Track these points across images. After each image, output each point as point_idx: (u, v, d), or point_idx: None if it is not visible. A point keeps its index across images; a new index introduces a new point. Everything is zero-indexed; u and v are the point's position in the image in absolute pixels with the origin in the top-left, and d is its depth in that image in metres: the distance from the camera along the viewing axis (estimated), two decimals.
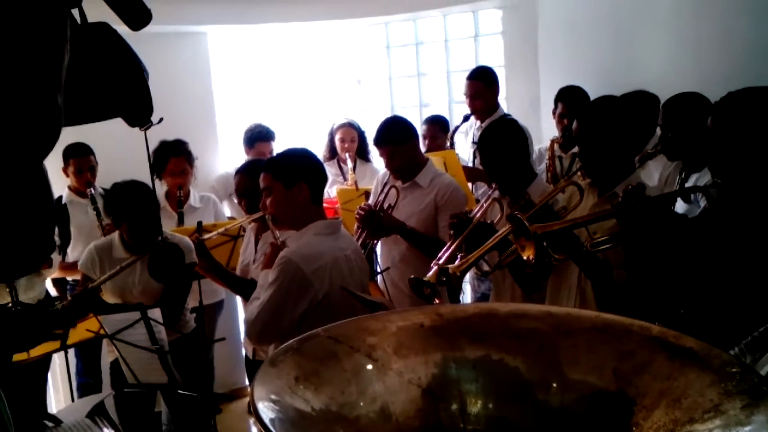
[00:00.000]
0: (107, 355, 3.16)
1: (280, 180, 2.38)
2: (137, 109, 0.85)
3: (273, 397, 0.72)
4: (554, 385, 0.82)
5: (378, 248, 3.33)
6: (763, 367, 1.12)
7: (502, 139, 2.63)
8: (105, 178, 3.90)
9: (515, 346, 0.86)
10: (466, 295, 4.12)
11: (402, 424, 0.81)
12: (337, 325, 0.91)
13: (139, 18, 0.67)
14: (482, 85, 3.99)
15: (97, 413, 1.88)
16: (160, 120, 0.82)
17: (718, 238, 1.75)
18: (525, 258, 1.84)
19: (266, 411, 0.69)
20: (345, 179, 4.38)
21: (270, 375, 0.76)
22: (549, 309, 0.91)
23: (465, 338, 0.88)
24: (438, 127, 4.24)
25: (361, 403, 0.82)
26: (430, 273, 2.25)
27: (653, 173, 3.08)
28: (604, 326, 0.83)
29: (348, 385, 0.81)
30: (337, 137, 4.48)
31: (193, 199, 4.06)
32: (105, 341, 3.07)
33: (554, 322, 0.86)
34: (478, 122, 4.11)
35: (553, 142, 3.69)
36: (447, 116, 5.29)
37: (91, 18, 0.84)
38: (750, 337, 1.18)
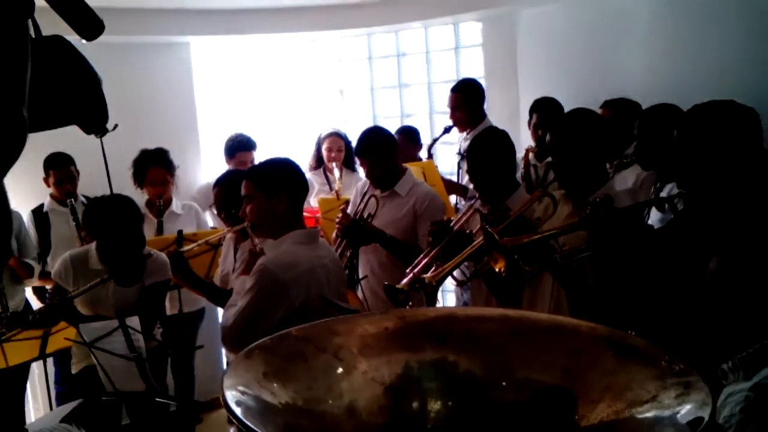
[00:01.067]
0: (73, 365, 3.08)
1: (260, 189, 2.40)
2: (92, 117, 0.88)
3: (241, 388, 0.76)
4: (509, 382, 0.86)
5: None
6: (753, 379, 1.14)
7: (491, 148, 2.67)
8: (87, 186, 3.91)
9: (473, 347, 0.90)
10: (451, 303, 4.16)
11: (365, 420, 0.85)
12: (306, 326, 0.95)
13: (92, 28, 0.71)
14: (460, 97, 4.05)
15: (73, 419, 1.88)
16: (115, 126, 0.85)
17: (682, 248, 1.80)
18: (497, 270, 1.89)
19: (234, 399, 0.73)
20: (331, 189, 4.40)
21: (240, 369, 0.80)
22: (506, 312, 0.96)
23: (426, 340, 0.92)
24: (407, 138, 4.29)
25: (329, 401, 0.85)
26: (405, 281, 2.29)
27: (628, 177, 3.14)
28: (556, 327, 0.87)
29: (315, 382, 0.85)
30: (324, 146, 4.51)
31: (175, 206, 4.07)
32: (73, 351, 3.06)
33: (510, 324, 0.91)
34: (465, 134, 4.17)
35: (528, 151, 3.76)
36: (428, 127, 5.37)
37: (46, 28, 0.86)
38: (745, 352, 1.20)
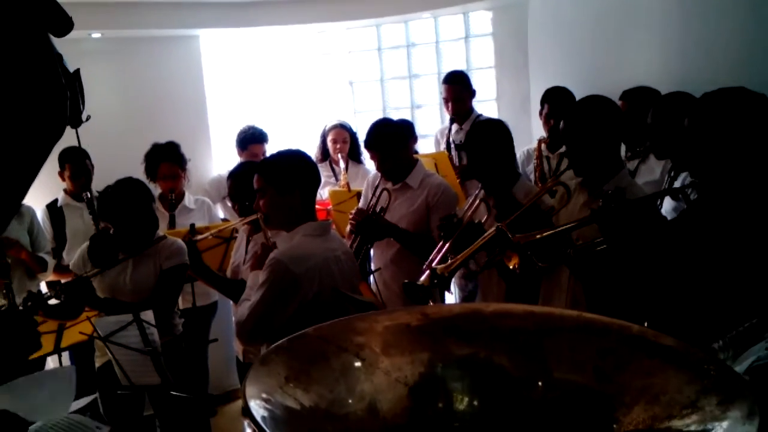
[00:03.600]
0: (96, 360, 3.12)
1: (272, 183, 2.39)
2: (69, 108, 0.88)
3: (264, 396, 0.74)
4: (538, 382, 0.84)
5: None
6: (744, 361, 1.13)
7: (490, 139, 2.66)
8: (99, 181, 3.91)
9: (499, 345, 0.88)
10: (455, 294, 4.14)
11: (389, 421, 0.83)
12: (326, 325, 0.93)
13: (62, 26, 0.71)
14: (461, 89, 4.09)
15: (86, 413, 1.88)
16: (88, 117, 0.84)
17: (694, 237, 1.77)
18: (511, 267, 1.87)
19: (258, 409, 0.71)
20: (337, 180, 4.39)
21: (261, 374, 0.78)
22: (532, 308, 0.94)
23: (450, 338, 0.90)
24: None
25: (350, 401, 0.83)
26: (423, 277, 2.27)
27: (655, 167, 3.11)
28: (586, 325, 0.85)
29: (337, 383, 0.83)
30: (329, 139, 4.50)
31: (188, 200, 4.08)
32: (96, 346, 3.07)
33: (537, 322, 0.88)
34: (456, 126, 4.16)
35: (540, 142, 3.72)
36: (438, 117, 5.34)
37: None
38: (735, 331, 1.19)
